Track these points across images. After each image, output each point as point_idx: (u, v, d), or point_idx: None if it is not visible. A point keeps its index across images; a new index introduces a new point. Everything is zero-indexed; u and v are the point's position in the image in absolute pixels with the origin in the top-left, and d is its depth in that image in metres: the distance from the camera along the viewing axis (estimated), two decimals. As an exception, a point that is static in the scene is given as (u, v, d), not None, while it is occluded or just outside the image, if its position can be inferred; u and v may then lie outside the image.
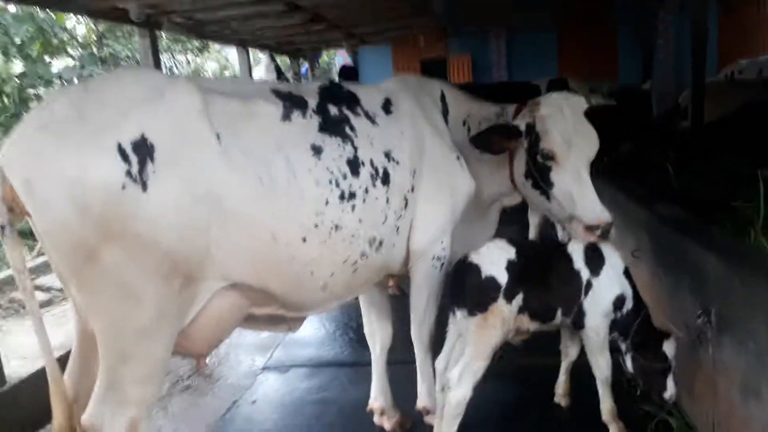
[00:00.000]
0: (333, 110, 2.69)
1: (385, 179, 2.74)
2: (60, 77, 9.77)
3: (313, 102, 2.65)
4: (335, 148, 2.59)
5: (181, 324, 2.34)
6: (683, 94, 7.73)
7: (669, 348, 2.94)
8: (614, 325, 3.05)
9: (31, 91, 9.68)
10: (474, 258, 2.88)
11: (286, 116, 2.52)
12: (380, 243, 2.78)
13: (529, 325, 2.95)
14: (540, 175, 3.08)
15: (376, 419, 3.45)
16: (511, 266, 2.84)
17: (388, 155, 2.78)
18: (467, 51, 14.25)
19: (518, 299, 2.84)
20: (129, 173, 2.04)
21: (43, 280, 7.60)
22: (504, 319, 2.82)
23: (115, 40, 10.53)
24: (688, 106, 6.84)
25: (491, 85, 10.66)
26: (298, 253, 2.47)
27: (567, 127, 3.01)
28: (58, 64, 10.26)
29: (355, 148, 2.66)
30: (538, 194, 3.17)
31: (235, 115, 2.36)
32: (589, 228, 2.95)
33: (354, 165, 2.63)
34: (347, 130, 2.68)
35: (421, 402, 3.29)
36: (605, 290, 2.98)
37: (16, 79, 9.56)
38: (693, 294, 3.02)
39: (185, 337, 2.42)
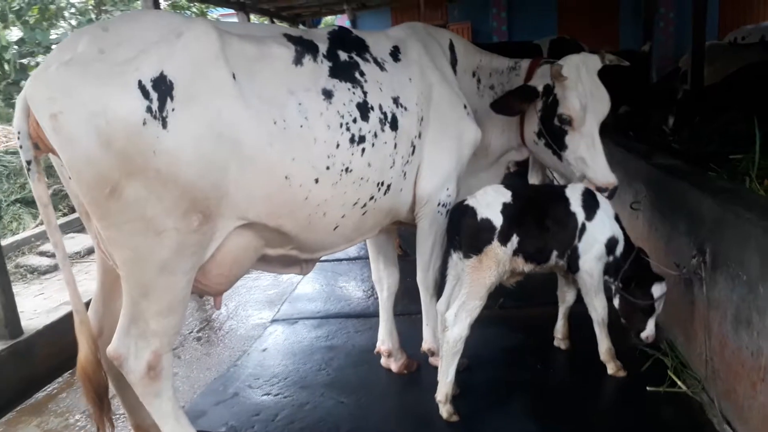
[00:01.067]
0: (343, 55, 2.76)
1: (394, 124, 2.82)
2: (59, 44, 9.72)
3: (323, 47, 2.72)
4: (345, 93, 2.66)
5: (200, 260, 2.43)
6: (683, 57, 7.77)
7: (656, 290, 3.03)
8: (606, 268, 3.16)
9: (29, 59, 9.62)
10: (470, 201, 2.97)
11: (298, 60, 2.58)
12: (388, 187, 2.87)
13: (524, 266, 3.05)
14: (554, 137, 3.21)
15: (383, 362, 3.59)
16: (506, 209, 2.92)
17: (396, 101, 2.86)
18: (467, 18, 14.15)
19: (513, 241, 2.94)
20: (149, 109, 2.11)
21: (48, 246, 7.67)
22: (499, 260, 2.91)
23: (114, 5, 10.43)
24: (688, 69, 6.90)
25: (493, 44, 10.63)
26: (311, 194, 2.56)
27: (585, 92, 3.12)
28: (55, 31, 10.18)
29: (365, 93, 2.73)
30: (551, 154, 3.30)
31: (249, 57, 2.42)
32: (599, 189, 3.12)
33: (364, 109, 2.70)
34: (357, 75, 2.75)
35: (426, 344, 3.43)
36: (599, 233, 3.09)
37: (15, 46, 9.50)
38: (688, 237, 3.13)
39: (203, 274, 2.53)
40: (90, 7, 10.23)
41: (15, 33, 10.00)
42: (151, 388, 2.44)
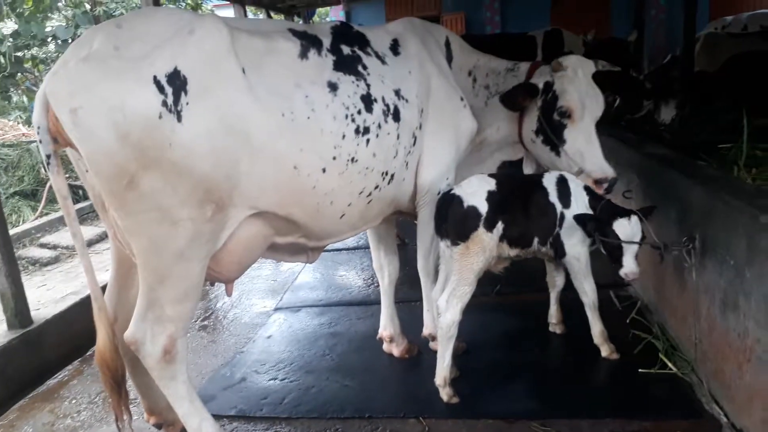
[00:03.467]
0: (346, 49, 2.85)
1: (396, 116, 2.92)
2: (54, 36, 9.68)
3: (327, 41, 2.81)
4: (350, 85, 2.76)
5: (214, 248, 2.53)
6: (678, 48, 7.86)
7: (620, 227, 3.00)
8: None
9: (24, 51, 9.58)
10: (456, 190, 3.07)
11: (304, 54, 2.68)
12: (392, 176, 2.98)
13: (509, 252, 3.15)
14: (554, 132, 3.34)
15: (385, 347, 3.71)
16: (491, 197, 3.03)
17: (398, 93, 2.95)
18: (461, 8, 14.20)
19: (498, 228, 3.04)
20: (165, 103, 2.19)
21: (49, 238, 7.74)
22: (485, 246, 3.02)
23: (109, -2, 10.44)
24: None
25: (490, 35, 10.73)
26: (319, 183, 2.66)
27: (582, 88, 3.29)
28: (50, 24, 10.15)
29: (368, 86, 2.83)
30: (548, 150, 3.44)
31: (258, 51, 2.51)
32: (597, 181, 3.25)
33: (367, 101, 2.80)
34: (360, 68, 2.84)
35: (427, 329, 3.54)
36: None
37: (10, 39, 9.47)
38: (679, 224, 3.25)
39: (216, 262, 2.62)
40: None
41: (10, 25, 9.98)
42: (167, 372, 2.54)
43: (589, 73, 3.36)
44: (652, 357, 3.28)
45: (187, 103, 2.25)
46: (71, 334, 4.01)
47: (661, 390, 3.06)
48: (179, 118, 2.23)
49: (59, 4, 9.95)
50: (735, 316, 2.66)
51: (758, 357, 2.47)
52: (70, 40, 9.68)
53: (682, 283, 3.24)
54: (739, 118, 4.08)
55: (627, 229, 3.00)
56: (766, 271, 2.39)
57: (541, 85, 3.36)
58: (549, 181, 3.23)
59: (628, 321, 3.68)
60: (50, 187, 8.16)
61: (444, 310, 3.04)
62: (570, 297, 3.66)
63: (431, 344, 3.55)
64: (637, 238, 3.01)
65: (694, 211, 3.08)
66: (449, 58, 3.50)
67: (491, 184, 3.08)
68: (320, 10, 15.16)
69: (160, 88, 2.19)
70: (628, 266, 3.01)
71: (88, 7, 10.18)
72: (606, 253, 3.14)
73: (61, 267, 7.09)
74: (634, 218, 3.01)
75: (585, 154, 3.31)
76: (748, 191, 2.83)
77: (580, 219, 3.09)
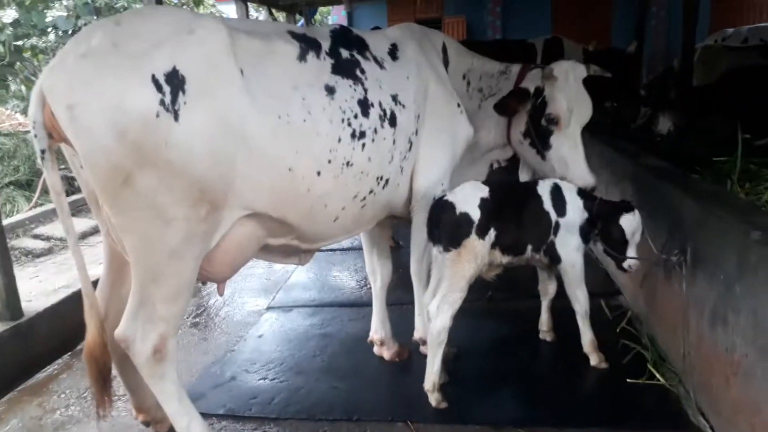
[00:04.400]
0: (345, 53, 2.86)
1: (392, 121, 2.93)
2: (55, 27, 9.65)
3: (326, 44, 2.81)
4: (347, 89, 2.76)
5: (207, 248, 2.53)
6: (676, 59, 7.91)
7: (626, 221, 3.12)
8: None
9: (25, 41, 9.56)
10: (449, 197, 3.08)
11: (302, 57, 2.68)
12: (386, 181, 2.99)
13: (501, 259, 3.16)
14: (540, 137, 3.39)
15: (375, 350, 3.71)
16: (483, 204, 3.03)
17: (395, 98, 2.96)
18: (462, 12, 14.23)
19: (491, 235, 3.05)
20: (162, 102, 2.19)
21: (43, 229, 7.71)
22: (477, 253, 3.03)
23: (111, -11, 10.41)
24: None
25: (490, 42, 10.76)
26: (313, 186, 2.67)
27: (571, 96, 3.32)
28: (51, 13, 10.12)
29: (365, 90, 2.83)
30: (534, 153, 3.48)
31: (256, 53, 2.51)
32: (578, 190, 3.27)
33: (364, 106, 2.81)
34: (358, 72, 2.85)
35: (418, 333, 3.54)
36: (572, 226, 3.22)
37: (10, 27, 9.44)
38: (671, 235, 3.27)
39: (209, 262, 2.62)
40: (86, -10, 10.22)
41: (10, 14, 9.95)
42: (157, 370, 2.54)
43: (580, 77, 3.39)
44: (641, 367, 3.29)
45: (185, 103, 2.24)
46: (62, 328, 4.00)
47: (649, 401, 3.07)
48: (176, 118, 2.23)
49: (61, -5, 9.96)
50: (724, 330, 2.68)
51: (745, 372, 2.49)
52: (70, 31, 9.68)
53: (673, 294, 3.26)
54: (734, 132, 4.11)
55: (633, 221, 3.12)
56: (755, 287, 2.40)
57: (531, 89, 3.39)
58: (543, 189, 3.24)
59: (618, 331, 3.70)
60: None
61: (434, 316, 3.05)
62: (561, 305, 3.68)
63: (422, 348, 3.56)
64: (640, 228, 3.15)
65: (686, 224, 3.09)
66: (446, 63, 3.51)
67: (484, 191, 3.09)
68: (322, 9, 15.16)
69: (158, 87, 2.19)
70: (633, 258, 3.15)
71: (89, -2, 10.20)
72: (609, 249, 3.21)
73: (54, 258, 7.05)
74: (635, 210, 3.13)
75: (569, 162, 3.35)
76: (741, 206, 2.85)
77: (589, 223, 3.19)
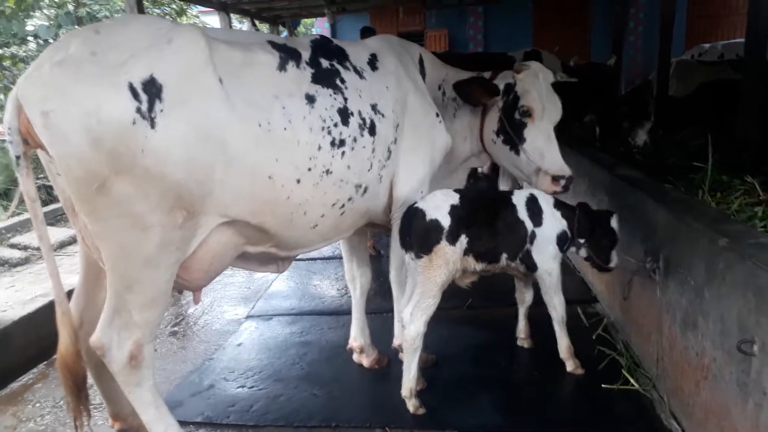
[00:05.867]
0: (325, 63, 2.89)
1: (372, 130, 2.96)
2: (36, 36, 9.57)
3: (306, 54, 2.85)
4: (327, 98, 2.80)
5: (183, 255, 2.53)
6: (652, 73, 8.10)
7: (614, 222, 3.39)
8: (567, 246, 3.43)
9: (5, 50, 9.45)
10: (420, 204, 3.13)
11: (282, 66, 2.71)
12: (365, 189, 3.01)
13: (475, 265, 3.20)
14: (514, 130, 3.44)
15: (355, 357, 3.73)
16: (454, 211, 3.08)
17: (374, 108, 3.00)
18: (444, 26, 14.42)
19: (462, 242, 3.09)
20: (139, 110, 2.20)
21: (19, 239, 7.60)
22: (448, 259, 3.07)
23: (93, -1, 10.34)
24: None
25: (470, 54, 10.95)
26: (293, 193, 2.68)
27: (542, 91, 3.40)
28: (32, 23, 10.04)
29: (345, 99, 2.87)
30: (508, 149, 3.52)
31: (236, 62, 2.53)
32: (555, 178, 3.32)
33: (344, 115, 2.84)
34: (338, 82, 2.88)
35: (398, 340, 3.55)
36: (549, 235, 3.30)
37: (-10, 37, 9.33)
38: (645, 243, 3.34)
39: (185, 270, 2.62)
40: (68, 0, 10.14)
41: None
42: (133, 378, 2.52)
43: (548, 80, 3.49)
44: (616, 373, 3.36)
45: (162, 111, 2.25)
46: (38, 337, 3.95)
47: (623, 406, 3.13)
48: (153, 125, 2.23)
49: (42, 3, 9.85)
50: (694, 335, 2.74)
51: (714, 375, 2.55)
52: (51, 40, 9.59)
53: (647, 301, 3.32)
54: (706, 144, 4.22)
55: (616, 223, 3.36)
56: (722, 293, 2.47)
57: (502, 86, 3.47)
58: (518, 199, 3.30)
59: (594, 337, 3.76)
60: (24, 187, 8.01)
61: (408, 323, 3.08)
62: (538, 313, 3.73)
63: (401, 355, 3.57)
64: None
65: (659, 232, 3.17)
66: (423, 74, 3.57)
67: (455, 199, 3.13)
68: (305, 21, 15.23)
69: (135, 95, 2.20)
70: (615, 257, 3.42)
71: (71, 8, 10.12)
72: (596, 253, 3.38)
73: (31, 268, 6.95)
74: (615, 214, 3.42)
75: (544, 152, 3.39)
76: (710, 215, 2.93)
77: (569, 231, 3.35)
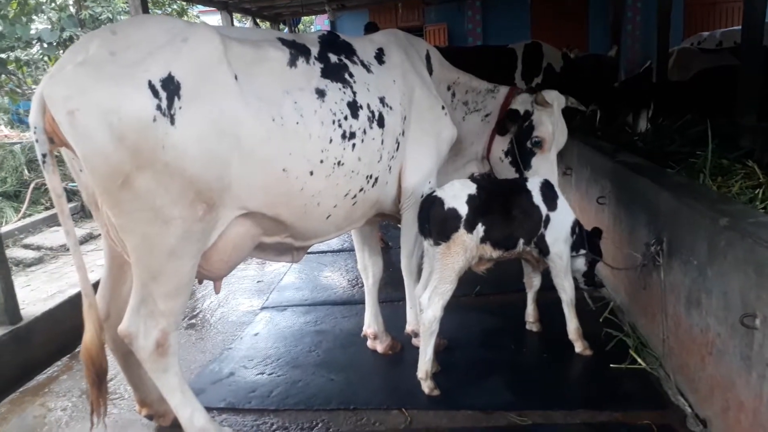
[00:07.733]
0: (333, 58, 2.98)
1: (381, 122, 3.06)
2: (39, 39, 9.65)
3: (315, 50, 2.94)
4: (337, 92, 2.89)
5: (204, 246, 2.62)
6: (649, 61, 8.17)
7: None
8: (572, 245, 3.54)
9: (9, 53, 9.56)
10: (438, 192, 3.23)
11: (292, 62, 2.80)
12: (376, 180, 3.11)
13: (492, 253, 3.30)
14: (523, 157, 3.67)
15: (369, 344, 3.83)
16: (471, 200, 3.18)
17: (382, 100, 3.10)
18: (443, 20, 14.47)
19: (479, 229, 3.19)
20: (159, 107, 2.28)
21: (32, 239, 7.71)
22: (466, 246, 3.17)
23: (95, 1, 10.39)
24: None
25: (471, 48, 11.03)
26: (306, 185, 2.78)
27: (555, 122, 3.62)
28: (35, 26, 10.13)
29: (354, 93, 2.96)
30: (513, 171, 3.76)
31: (249, 59, 2.62)
32: None
33: (353, 108, 2.93)
34: (346, 76, 2.98)
35: (410, 326, 3.68)
36: (563, 219, 3.41)
37: (-5, 40, 9.45)
38: (648, 227, 3.44)
39: (206, 260, 2.72)
40: (70, 2, 10.22)
41: (-6, 27, 9.94)
42: (160, 364, 2.63)
43: (561, 106, 3.69)
44: (623, 353, 3.45)
45: (180, 107, 2.33)
46: (59, 332, 4.07)
47: (631, 383, 3.22)
48: (172, 122, 2.31)
49: (44, 6, 9.95)
50: (698, 312, 2.84)
51: (718, 350, 2.64)
52: (55, 43, 9.70)
53: (652, 283, 3.42)
54: (705, 130, 4.31)
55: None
56: (724, 270, 2.56)
57: (521, 112, 3.63)
58: (533, 185, 3.41)
59: (601, 320, 3.86)
60: (33, 188, 8.14)
61: (426, 307, 3.18)
62: (546, 297, 3.83)
63: (414, 341, 3.69)
64: None
65: (661, 215, 3.26)
66: (429, 70, 3.67)
67: (472, 188, 3.23)
68: (305, 19, 15.29)
69: (155, 93, 2.28)
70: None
71: (73, 10, 10.20)
72: (589, 262, 3.61)
73: (44, 268, 7.07)
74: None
75: (545, 177, 3.55)
76: (711, 197, 3.02)
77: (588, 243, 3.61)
